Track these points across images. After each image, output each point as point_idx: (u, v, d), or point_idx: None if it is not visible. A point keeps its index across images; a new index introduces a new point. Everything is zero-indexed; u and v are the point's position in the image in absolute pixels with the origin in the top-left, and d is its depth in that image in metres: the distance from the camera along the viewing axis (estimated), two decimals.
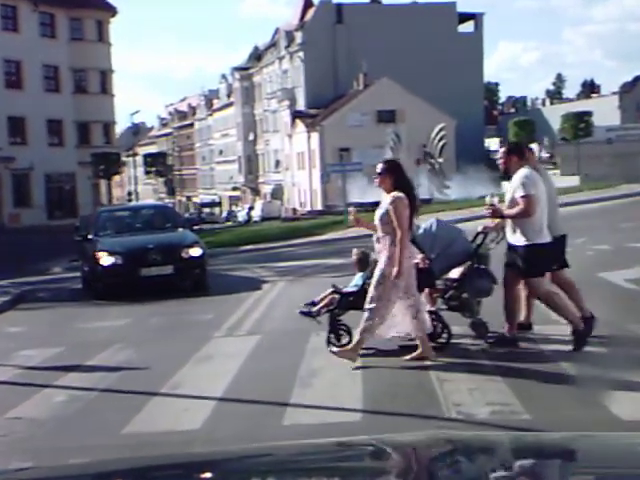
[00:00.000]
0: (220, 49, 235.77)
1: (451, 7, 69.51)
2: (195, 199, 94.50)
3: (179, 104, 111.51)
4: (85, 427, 6.05)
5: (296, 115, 65.14)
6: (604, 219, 23.34)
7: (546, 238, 7.55)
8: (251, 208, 65.49)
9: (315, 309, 8.02)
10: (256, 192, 78.20)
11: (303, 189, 64.08)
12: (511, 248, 7.66)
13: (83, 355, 8.59)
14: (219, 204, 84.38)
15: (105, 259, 13.57)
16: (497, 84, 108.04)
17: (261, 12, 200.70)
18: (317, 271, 15.87)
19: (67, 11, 46.97)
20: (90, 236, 14.74)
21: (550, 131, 61.04)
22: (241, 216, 64.08)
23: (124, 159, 56.29)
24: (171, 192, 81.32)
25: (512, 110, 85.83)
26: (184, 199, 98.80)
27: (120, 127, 66.94)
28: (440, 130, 44.23)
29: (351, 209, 8.19)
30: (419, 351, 7.15)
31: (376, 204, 8.48)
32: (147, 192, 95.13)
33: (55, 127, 46.54)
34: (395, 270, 6.94)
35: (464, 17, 71.33)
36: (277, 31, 73.56)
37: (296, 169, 65.90)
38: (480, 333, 7.93)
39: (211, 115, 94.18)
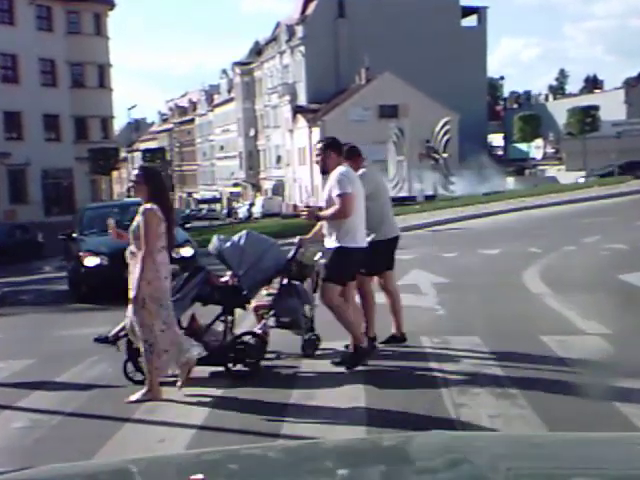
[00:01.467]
0: (221, 44, 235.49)
1: (454, 1, 68.75)
2: (196, 195, 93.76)
3: (179, 99, 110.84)
4: (43, 462, 5.15)
5: (297, 110, 64.45)
6: (617, 216, 22.50)
7: (358, 243, 6.85)
8: (252, 204, 64.76)
9: (112, 334, 7.09)
10: (257, 188, 77.45)
11: (304, 185, 63.27)
12: (326, 252, 7.01)
13: (54, 369, 7.75)
14: (220, 200, 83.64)
15: (89, 260, 12.68)
16: (502, 78, 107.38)
17: (263, 6, 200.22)
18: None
19: (64, 4, 46.28)
20: (75, 235, 13.87)
21: (555, 126, 60.28)
22: (242, 212, 63.39)
23: (124, 154, 55.50)
24: (170, 188, 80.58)
25: (515, 105, 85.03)
26: (185, 195, 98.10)
27: (119, 123, 66.26)
28: (444, 124, 43.40)
29: (110, 221, 7.22)
30: (146, 390, 6.33)
31: None
32: None
33: (52, 122, 45.78)
34: (133, 294, 6.19)
35: (467, 11, 70.64)
36: (278, 25, 72.72)
37: (297, 165, 65.14)
38: (309, 351, 7.29)
39: (212, 110, 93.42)
